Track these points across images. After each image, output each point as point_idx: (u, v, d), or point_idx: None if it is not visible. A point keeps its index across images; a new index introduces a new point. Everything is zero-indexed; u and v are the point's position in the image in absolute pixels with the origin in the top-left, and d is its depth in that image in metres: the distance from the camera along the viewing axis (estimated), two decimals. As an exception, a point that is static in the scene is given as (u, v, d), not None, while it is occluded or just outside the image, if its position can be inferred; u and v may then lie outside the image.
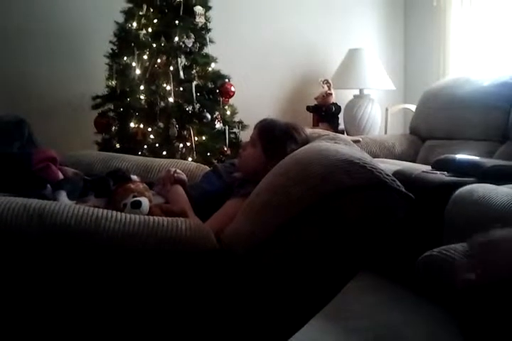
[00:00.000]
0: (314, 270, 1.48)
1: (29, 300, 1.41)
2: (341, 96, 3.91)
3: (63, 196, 1.72)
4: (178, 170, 1.96)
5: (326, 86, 3.70)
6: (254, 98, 3.57)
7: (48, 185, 1.77)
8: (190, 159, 2.77)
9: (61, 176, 1.87)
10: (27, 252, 1.38)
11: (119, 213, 1.45)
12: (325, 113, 3.71)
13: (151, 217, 1.46)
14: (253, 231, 1.46)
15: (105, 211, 1.44)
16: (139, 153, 2.79)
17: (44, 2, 3.33)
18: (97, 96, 2.96)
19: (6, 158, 1.92)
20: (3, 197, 1.51)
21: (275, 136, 1.80)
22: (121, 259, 1.40)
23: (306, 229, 1.42)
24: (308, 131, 1.93)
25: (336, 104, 3.75)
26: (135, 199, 1.63)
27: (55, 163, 1.90)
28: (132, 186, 1.70)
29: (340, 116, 3.84)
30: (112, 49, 2.99)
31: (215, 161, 2.87)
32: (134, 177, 1.86)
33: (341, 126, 3.87)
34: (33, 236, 1.38)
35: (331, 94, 3.71)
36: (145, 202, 1.64)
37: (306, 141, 1.79)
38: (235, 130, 3.06)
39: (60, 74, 3.36)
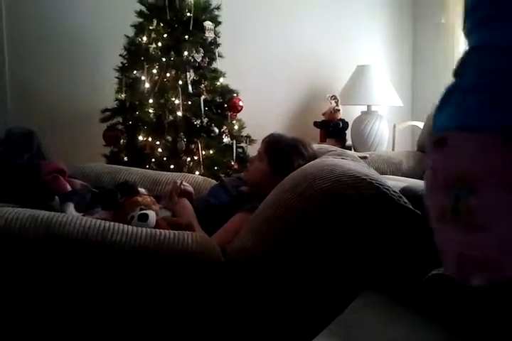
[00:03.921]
0: (317, 284, 1.47)
1: (34, 308, 1.41)
2: (349, 113, 3.92)
3: (71, 208, 1.73)
4: (184, 182, 1.97)
5: (333, 102, 3.71)
6: (262, 113, 3.58)
7: (56, 197, 1.78)
8: (197, 173, 2.77)
9: (69, 188, 1.88)
10: (33, 262, 1.39)
11: (125, 226, 1.46)
12: (332, 129, 3.71)
13: (158, 230, 1.47)
14: (257, 245, 1.46)
15: (112, 223, 1.45)
16: (147, 166, 2.79)
17: (55, 16, 3.38)
18: (106, 109, 2.98)
19: (15, 169, 1.93)
20: (12, 208, 1.52)
21: (282, 151, 1.81)
22: (126, 271, 1.40)
23: (310, 243, 1.42)
24: (316, 146, 1.93)
25: (344, 120, 3.75)
26: (142, 212, 1.64)
27: (63, 175, 1.92)
28: (140, 199, 1.71)
29: (348, 132, 3.84)
30: (121, 62, 3.01)
31: (222, 175, 2.87)
32: (142, 190, 1.87)
33: (349, 142, 3.87)
34: (40, 246, 1.38)
35: (338, 110, 3.71)
36: (152, 215, 1.64)
37: (314, 156, 1.79)
38: (242, 144, 3.07)
39: (70, 87, 3.40)
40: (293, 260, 1.44)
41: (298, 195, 1.42)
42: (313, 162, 1.62)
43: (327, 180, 1.40)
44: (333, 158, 1.70)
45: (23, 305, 1.40)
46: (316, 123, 3.79)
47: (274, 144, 1.84)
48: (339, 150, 1.94)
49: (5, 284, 1.39)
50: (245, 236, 1.50)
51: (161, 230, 1.48)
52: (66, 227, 1.38)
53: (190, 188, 1.95)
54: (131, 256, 1.40)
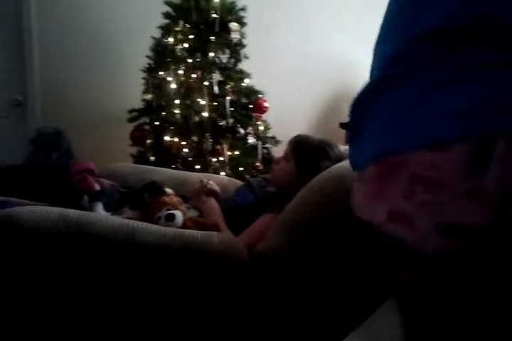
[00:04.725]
0: (343, 286, 1.46)
1: (63, 305, 1.43)
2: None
3: (100, 207, 1.76)
4: (210, 182, 1.98)
5: (359, 103, 3.69)
6: (287, 114, 3.58)
7: (85, 196, 1.81)
8: (222, 173, 2.78)
9: (98, 187, 1.91)
10: (63, 260, 1.41)
11: (153, 225, 1.47)
12: (358, 130, 3.68)
13: (185, 231, 1.48)
14: (284, 247, 1.46)
15: (140, 223, 1.47)
16: (173, 166, 2.82)
17: (83, 18, 3.43)
18: (134, 110, 3.02)
19: (46, 168, 1.97)
20: (42, 207, 1.55)
21: (309, 153, 1.81)
22: (153, 271, 1.42)
23: (338, 245, 1.42)
24: (342, 148, 1.92)
25: (370, 121, 3.73)
26: (169, 212, 1.65)
27: (92, 175, 1.95)
28: (167, 199, 1.72)
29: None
30: (148, 63, 3.05)
31: (247, 176, 2.88)
32: (169, 190, 1.88)
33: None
34: (70, 245, 1.41)
35: (364, 111, 3.69)
36: (179, 215, 1.66)
37: (341, 158, 1.78)
38: (267, 145, 3.08)
39: (98, 88, 3.45)
40: (320, 262, 1.43)
41: (326, 197, 1.42)
42: (341, 163, 1.61)
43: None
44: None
45: (52, 302, 1.42)
46: (341, 125, 3.77)
47: (301, 145, 1.84)
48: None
49: (35, 281, 1.42)
50: (272, 237, 1.50)
51: (189, 230, 1.49)
52: (96, 226, 1.40)
53: (216, 188, 1.96)
54: (159, 256, 1.41)
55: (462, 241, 0.60)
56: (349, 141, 0.77)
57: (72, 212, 1.47)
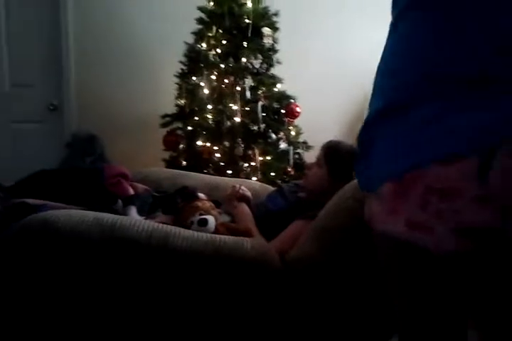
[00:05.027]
0: (376, 295, 1.44)
1: (98, 308, 1.45)
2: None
3: (133, 211, 1.77)
4: (242, 187, 1.98)
5: (392, 107, 3.65)
6: (319, 119, 3.56)
7: (119, 200, 1.83)
8: (254, 178, 2.78)
9: (132, 192, 1.93)
10: (97, 264, 1.43)
11: (186, 231, 1.48)
12: (390, 135, 3.65)
13: (218, 236, 1.48)
14: (317, 253, 1.45)
15: (173, 228, 1.48)
16: (205, 171, 2.83)
17: (118, 24, 3.49)
18: (167, 115, 3.05)
19: (81, 173, 2.01)
20: (78, 211, 1.58)
21: (342, 159, 1.79)
22: (186, 275, 1.42)
23: (372, 252, 1.40)
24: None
25: (402, 126, 3.68)
26: (202, 217, 1.66)
27: (126, 179, 1.97)
28: (199, 204, 1.73)
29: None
30: (181, 69, 3.07)
31: (279, 181, 2.87)
32: (201, 195, 1.89)
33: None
34: (104, 248, 1.42)
35: (397, 115, 3.65)
36: (211, 220, 1.66)
37: (374, 163, 1.76)
38: (299, 150, 3.06)
39: (132, 93, 3.50)
40: (353, 269, 1.42)
41: (358, 202, 1.40)
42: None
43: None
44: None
45: (86, 305, 1.44)
46: (373, 130, 3.74)
47: (334, 151, 1.83)
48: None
49: (70, 284, 1.44)
50: (305, 244, 1.49)
51: (221, 236, 1.50)
52: (130, 230, 1.41)
53: (248, 193, 1.97)
54: (192, 261, 1.41)
55: (473, 242, 0.68)
56: (357, 162, 0.87)
57: (107, 216, 1.49)
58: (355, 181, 1.55)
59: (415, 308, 0.83)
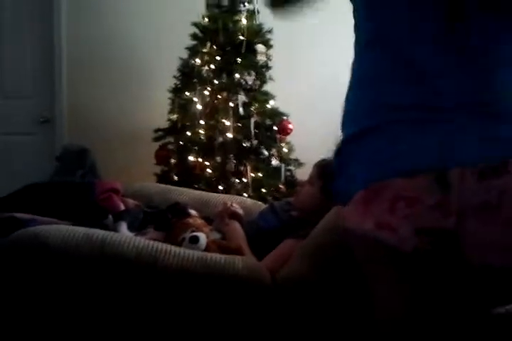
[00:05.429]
0: (368, 312, 1.43)
1: (85, 324, 1.43)
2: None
3: (124, 227, 1.76)
4: (234, 204, 1.97)
5: (383, 126, 3.67)
6: (312, 136, 3.56)
7: (110, 216, 1.82)
8: (245, 195, 2.77)
9: (122, 207, 1.91)
10: (86, 280, 1.41)
11: (177, 248, 1.47)
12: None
13: (209, 254, 1.47)
14: (310, 271, 1.44)
15: (164, 245, 1.47)
16: (196, 186, 2.82)
17: (111, 38, 3.50)
18: (159, 129, 3.05)
19: (72, 187, 1.99)
20: (67, 226, 1.56)
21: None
22: (176, 293, 1.41)
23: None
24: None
25: (394, 144, 3.69)
26: (193, 234, 1.64)
27: (117, 194, 1.96)
28: (191, 221, 1.72)
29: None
30: (175, 84, 3.08)
31: (270, 198, 2.86)
32: (193, 212, 1.88)
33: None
34: (94, 265, 1.41)
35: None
36: (202, 237, 1.65)
37: (367, 183, 1.76)
38: (291, 167, 3.06)
39: (124, 107, 3.49)
40: (344, 288, 1.41)
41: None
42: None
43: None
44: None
45: (72, 322, 1.42)
46: (365, 147, 3.75)
47: (327, 170, 1.82)
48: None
49: (58, 300, 1.42)
50: (296, 262, 1.48)
51: (212, 254, 1.49)
52: (120, 247, 1.40)
53: (240, 211, 1.95)
54: (182, 279, 1.40)
55: (431, 241, 0.83)
56: (334, 179, 0.97)
57: (97, 233, 1.48)
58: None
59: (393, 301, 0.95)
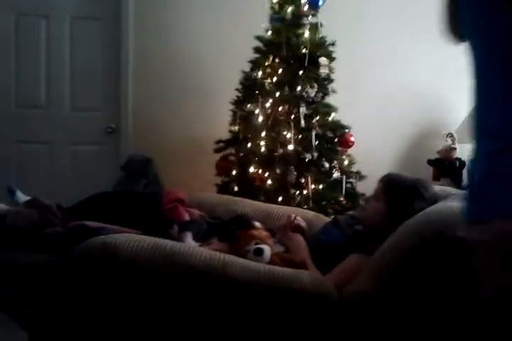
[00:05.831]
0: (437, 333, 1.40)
1: (154, 333, 1.45)
2: (466, 151, 3.74)
3: (189, 237, 1.78)
4: (298, 217, 1.96)
5: (449, 139, 3.57)
6: (373, 149, 3.52)
7: (175, 225, 1.85)
8: (305, 207, 2.76)
9: (187, 217, 1.94)
10: (155, 290, 1.44)
11: (245, 260, 1.48)
12: (448, 168, 3.56)
13: (276, 268, 1.47)
14: (378, 290, 1.42)
15: (231, 257, 1.48)
16: (256, 197, 2.83)
17: (179, 49, 3.59)
18: (220, 141, 3.09)
19: (140, 196, 2.04)
20: (136, 235, 1.60)
21: (402, 193, 1.75)
22: (242, 305, 1.42)
23: (436, 291, 1.36)
24: (436, 188, 1.86)
25: (461, 159, 3.58)
26: (258, 246, 1.65)
27: (183, 204, 1.99)
28: (255, 233, 1.72)
29: (464, 171, 3.66)
30: (237, 96, 3.12)
31: (331, 211, 2.84)
32: (257, 223, 1.89)
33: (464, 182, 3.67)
34: (163, 275, 1.43)
35: (455, 148, 3.56)
36: (267, 250, 1.65)
37: (435, 199, 1.71)
38: (351, 180, 3.03)
39: (187, 118, 3.57)
40: (415, 307, 1.38)
41: (424, 242, 1.37)
42: (438, 206, 1.55)
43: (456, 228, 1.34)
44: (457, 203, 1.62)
45: (145, 331, 1.45)
46: (429, 161, 3.66)
47: (394, 185, 1.79)
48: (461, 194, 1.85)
49: (127, 309, 1.45)
50: (364, 279, 1.46)
51: (279, 268, 1.48)
52: (189, 258, 1.42)
53: (303, 224, 1.95)
54: (249, 291, 1.41)
55: None
56: (469, 197, 0.93)
57: (166, 243, 1.51)
58: (420, 218, 1.50)
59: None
